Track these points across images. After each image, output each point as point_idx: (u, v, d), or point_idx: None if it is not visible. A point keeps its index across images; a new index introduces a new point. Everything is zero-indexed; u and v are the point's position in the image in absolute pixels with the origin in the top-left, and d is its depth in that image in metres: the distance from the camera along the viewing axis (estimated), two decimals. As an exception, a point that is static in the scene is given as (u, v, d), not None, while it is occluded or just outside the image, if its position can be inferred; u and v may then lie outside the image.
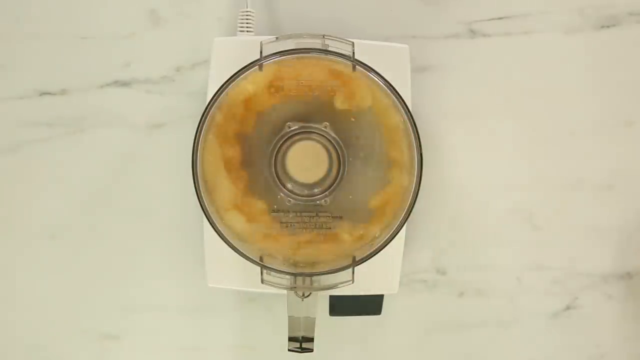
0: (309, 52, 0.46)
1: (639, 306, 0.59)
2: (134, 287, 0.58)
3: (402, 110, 0.46)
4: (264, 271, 0.47)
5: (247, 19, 0.52)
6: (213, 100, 0.45)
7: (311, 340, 0.49)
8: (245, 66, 0.45)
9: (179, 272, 0.58)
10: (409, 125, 0.46)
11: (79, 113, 0.57)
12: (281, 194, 0.47)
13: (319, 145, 0.47)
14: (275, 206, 0.48)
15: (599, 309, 0.59)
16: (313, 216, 0.48)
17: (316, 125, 0.47)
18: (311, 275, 0.47)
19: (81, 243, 0.57)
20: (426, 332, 0.59)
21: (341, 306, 0.53)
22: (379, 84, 0.45)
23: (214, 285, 0.52)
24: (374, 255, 0.46)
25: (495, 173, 0.58)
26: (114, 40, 0.56)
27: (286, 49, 0.45)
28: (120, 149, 0.57)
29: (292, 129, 0.47)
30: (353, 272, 0.47)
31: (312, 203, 0.47)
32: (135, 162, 0.57)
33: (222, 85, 0.45)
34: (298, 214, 0.48)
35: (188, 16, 0.56)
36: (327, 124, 0.46)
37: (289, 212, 0.48)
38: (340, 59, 0.45)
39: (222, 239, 0.46)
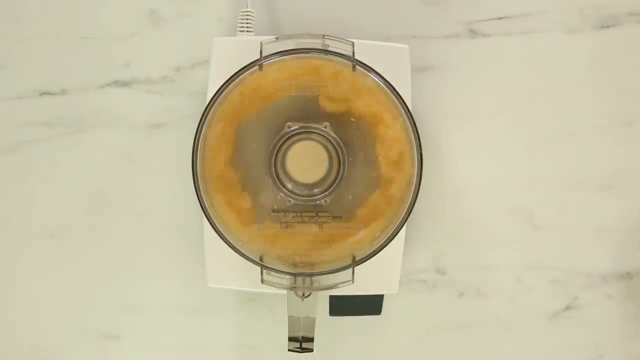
0: (309, 52, 0.46)
1: (639, 306, 0.59)
2: (134, 287, 0.58)
3: (402, 111, 0.46)
4: (264, 271, 0.47)
5: (247, 19, 0.52)
6: (213, 100, 0.45)
7: (311, 340, 0.49)
8: (245, 66, 0.45)
9: (179, 272, 0.58)
10: (409, 125, 0.46)
11: (79, 113, 0.57)
12: (281, 194, 0.47)
13: (319, 145, 0.47)
14: (275, 206, 0.48)
15: (599, 309, 0.59)
16: (313, 216, 0.48)
17: (316, 125, 0.47)
18: (311, 275, 0.47)
19: (81, 243, 0.57)
20: (426, 332, 0.59)
21: (341, 306, 0.53)
22: (379, 84, 0.45)
23: (214, 285, 0.52)
24: (374, 255, 0.46)
25: (495, 173, 0.58)
26: (114, 40, 0.56)
27: (286, 49, 0.45)
28: (120, 149, 0.57)
29: (292, 129, 0.47)
30: (353, 272, 0.47)
31: (312, 203, 0.47)
32: (135, 162, 0.57)
33: (222, 85, 0.45)
34: (298, 214, 0.48)
35: (188, 16, 0.56)
36: (327, 124, 0.46)
37: (289, 212, 0.48)
38: (340, 59, 0.45)
39: (222, 239, 0.46)
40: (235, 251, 0.46)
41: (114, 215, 0.58)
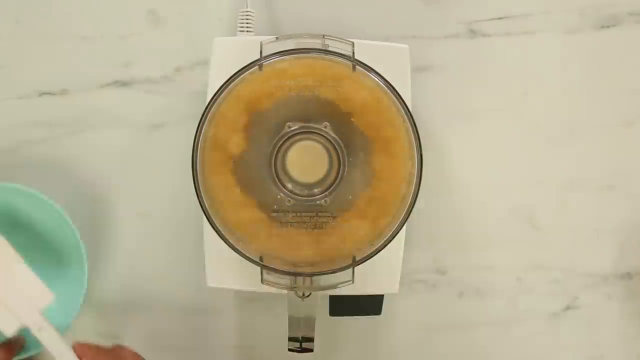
0: (309, 52, 0.46)
1: (639, 306, 0.59)
2: (134, 287, 0.58)
3: (402, 110, 0.46)
4: (264, 271, 0.47)
5: (247, 19, 0.52)
6: (213, 100, 0.45)
7: (311, 340, 0.49)
8: (245, 66, 0.45)
9: (179, 272, 0.58)
10: (409, 125, 0.46)
11: (79, 113, 0.57)
12: (281, 194, 0.47)
13: (319, 146, 0.47)
14: (275, 206, 0.48)
15: (599, 309, 0.59)
16: (313, 216, 0.48)
17: (316, 125, 0.46)
18: (311, 275, 0.47)
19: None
20: (426, 332, 0.59)
21: (341, 306, 0.53)
22: (379, 84, 0.45)
23: (214, 285, 0.52)
24: (374, 255, 0.46)
25: (495, 173, 0.58)
26: (114, 40, 0.56)
27: (286, 49, 0.45)
28: (120, 148, 0.57)
29: (292, 129, 0.47)
30: (353, 272, 0.47)
31: (312, 203, 0.47)
32: (135, 162, 0.57)
33: (222, 85, 0.45)
34: (298, 214, 0.48)
35: (188, 16, 0.56)
36: (327, 124, 0.46)
37: (288, 212, 0.48)
38: (340, 59, 0.45)
39: (222, 238, 0.46)
40: (235, 251, 0.46)
41: (113, 215, 0.58)
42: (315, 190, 0.47)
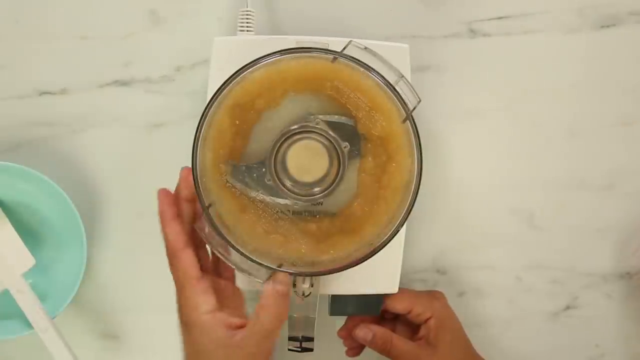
0: (309, 52, 0.46)
1: (639, 306, 0.59)
2: (134, 287, 0.58)
3: (402, 110, 0.46)
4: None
5: (247, 19, 0.52)
6: (213, 99, 0.45)
7: (311, 340, 0.49)
8: (245, 65, 0.45)
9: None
10: (409, 125, 0.46)
11: (79, 113, 0.57)
12: (281, 193, 0.47)
13: (318, 145, 0.46)
14: (275, 205, 0.48)
15: (599, 308, 0.59)
16: (312, 215, 0.48)
17: (313, 124, 0.46)
18: (311, 275, 0.47)
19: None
20: (426, 332, 0.59)
21: (341, 306, 0.53)
22: (379, 83, 0.45)
23: (214, 285, 0.52)
24: (374, 255, 0.46)
25: (495, 173, 0.58)
26: (114, 40, 0.56)
27: (286, 48, 0.45)
28: (120, 148, 0.57)
29: (291, 128, 0.47)
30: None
31: (311, 202, 0.47)
32: (135, 162, 0.57)
33: (222, 84, 0.45)
34: (297, 213, 0.48)
35: (188, 16, 0.56)
36: (319, 119, 0.46)
37: (288, 211, 0.48)
38: (340, 59, 0.45)
39: (222, 238, 0.46)
40: (235, 250, 0.46)
41: (113, 215, 0.58)
42: (315, 190, 0.47)
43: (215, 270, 0.49)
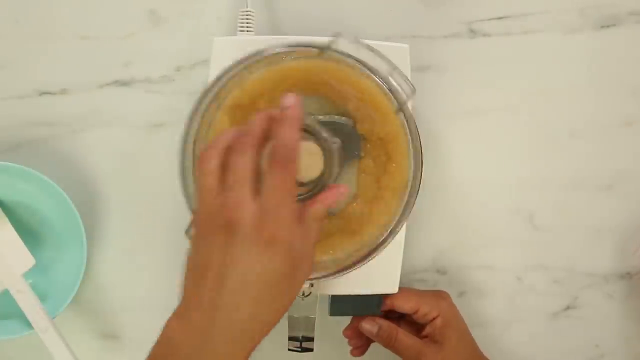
0: (309, 51, 0.46)
1: (639, 306, 0.59)
2: (134, 287, 0.58)
3: (402, 110, 0.45)
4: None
5: (247, 19, 0.52)
6: (205, 94, 0.45)
7: (311, 340, 0.49)
8: (243, 58, 0.45)
9: (179, 272, 0.58)
10: (409, 125, 0.45)
11: (79, 113, 0.57)
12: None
13: (312, 144, 0.46)
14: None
15: (599, 309, 0.59)
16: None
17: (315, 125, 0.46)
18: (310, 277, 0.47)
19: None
20: (426, 332, 0.59)
21: (341, 306, 0.53)
22: (379, 83, 0.45)
23: (214, 285, 0.52)
24: (374, 254, 0.46)
25: (496, 173, 0.58)
26: (114, 40, 0.56)
27: (286, 47, 0.45)
28: (120, 148, 0.57)
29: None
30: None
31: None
32: (135, 162, 0.57)
33: (216, 77, 0.45)
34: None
35: (188, 16, 0.56)
36: (312, 118, 0.46)
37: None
38: (340, 58, 0.45)
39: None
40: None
41: (114, 215, 0.58)
42: (314, 189, 0.47)
43: None
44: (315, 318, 0.49)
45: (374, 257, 0.46)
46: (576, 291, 0.58)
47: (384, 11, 0.56)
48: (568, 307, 0.59)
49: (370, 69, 0.45)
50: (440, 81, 0.56)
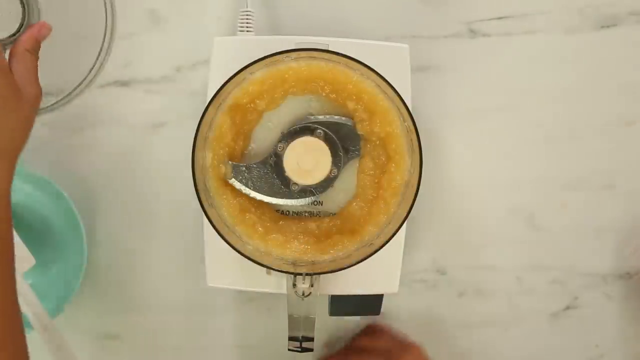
0: (309, 52, 0.46)
1: (638, 306, 0.59)
2: (134, 287, 0.58)
3: (402, 110, 0.45)
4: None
5: (247, 19, 0.52)
6: (213, 99, 0.45)
7: (311, 340, 0.49)
8: (246, 66, 0.45)
9: (179, 272, 0.58)
10: (409, 125, 0.46)
11: (78, 113, 0.57)
12: (280, 192, 0.47)
13: (319, 145, 0.46)
14: (275, 204, 0.48)
15: (599, 309, 0.59)
16: (312, 214, 0.48)
17: (315, 125, 0.46)
18: (311, 275, 0.47)
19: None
20: (426, 332, 0.59)
21: (341, 306, 0.53)
22: (379, 84, 0.45)
23: (214, 285, 0.52)
24: (374, 254, 0.46)
25: (495, 173, 0.58)
26: (114, 40, 0.56)
27: (286, 49, 0.45)
28: (120, 148, 0.57)
29: (291, 127, 0.47)
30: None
31: (311, 201, 0.47)
32: (135, 162, 0.57)
33: (222, 84, 0.45)
34: (297, 212, 0.48)
35: (188, 16, 0.56)
36: (319, 120, 0.46)
37: (288, 210, 0.48)
38: (340, 59, 0.45)
39: (222, 238, 0.46)
40: (235, 250, 0.46)
41: (113, 215, 0.58)
42: (315, 189, 0.47)
43: None
44: (315, 318, 0.49)
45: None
46: (576, 291, 0.58)
47: (384, 11, 0.56)
48: (568, 307, 0.59)
49: (371, 69, 0.45)
50: (440, 81, 0.56)
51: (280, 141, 0.46)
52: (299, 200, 0.47)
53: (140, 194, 0.57)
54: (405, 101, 0.45)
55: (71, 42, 0.56)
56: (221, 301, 0.58)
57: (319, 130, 0.46)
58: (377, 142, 0.47)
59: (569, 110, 0.57)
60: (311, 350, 0.49)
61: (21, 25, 0.52)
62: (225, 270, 0.51)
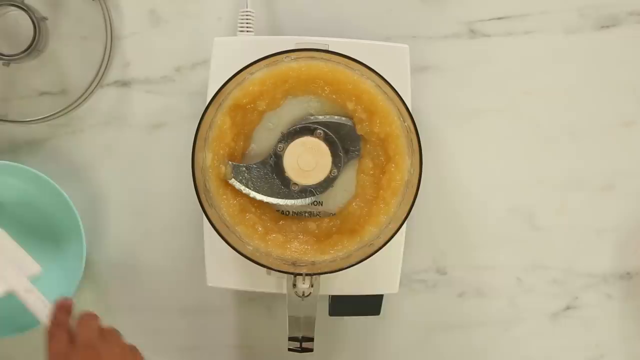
0: (309, 52, 0.46)
1: (638, 306, 0.59)
2: (134, 287, 0.58)
3: (402, 110, 0.46)
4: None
5: (247, 19, 0.52)
6: (213, 100, 0.45)
7: (311, 340, 0.49)
8: (246, 66, 0.45)
9: (179, 272, 0.58)
10: (409, 125, 0.46)
11: (78, 113, 0.57)
12: (280, 192, 0.47)
13: (320, 145, 0.46)
14: (275, 204, 0.48)
15: (599, 308, 0.59)
16: (312, 214, 0.48)
17: (315, 125, 0.46)
18: (311, 275, 0.47)
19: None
20: (426, 332, 0.59)
21: (341, 306, 0.53)
22: (379, 84, 0.45)
23: (214, 285, 0.52)
24: (374, 254, 0.46)
25: (495, 173, 0.58)
26: (114, 40, 0.56)
27: (286, 49, 0.45)
28: (120, 148, 0.57)
29: (292, 128, 0.47)
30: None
31: (311, 201, 0.47)
32: (135, 162, 0.57)
33: (222, 85, 0.45)
34: (298, 212, 0.48)
35: (188, 16, 0.56)
36: (319, 120, 0.46)
37: (289, 210, 0.48)
38: (340, 59, 0.45)
39: (222, 238, 0.46)
40: (235, 250, 0.46)
41: (113, 215, 0.58)
42: (315, 189, 0.47)
43: None
44: (315, 318, 0.49)
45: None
46: (576, 291, 0.58)
47: (384, 11, 0.56)
48: (568, 307, 0.59)
49: (370, 70, 0.45)
50: (440, 81, 0.56)
51: (280, 141, 0.46)
52: (299, 200, 0.47)
53: (140, 194, 0.57)
54: (405, 101, 0.45)
55: (76, 48, 0.57)
56: (221, 301, 0.58)
57: (319, 131, 0.46)
58: (377, 143, 0.47)
59: (568, 111, 0.57)
60: (311, 350, 0.49)
61: (33, 39, 0.53)
62: (225, 270, 0.51)
